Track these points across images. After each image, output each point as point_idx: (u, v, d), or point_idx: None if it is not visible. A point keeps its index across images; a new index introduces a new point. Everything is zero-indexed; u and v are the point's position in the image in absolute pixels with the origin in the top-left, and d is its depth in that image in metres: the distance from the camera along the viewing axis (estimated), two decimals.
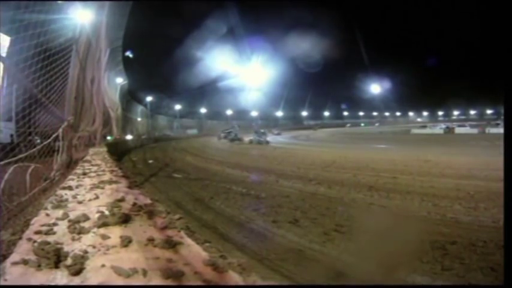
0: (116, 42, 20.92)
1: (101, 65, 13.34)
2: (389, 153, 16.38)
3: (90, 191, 3.66)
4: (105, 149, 12.52)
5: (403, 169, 10.63)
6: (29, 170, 3.98)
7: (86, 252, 1.77)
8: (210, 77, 48.57)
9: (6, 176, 3.36)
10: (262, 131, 33.94)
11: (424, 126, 47.96)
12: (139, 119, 45.19)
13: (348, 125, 75.69)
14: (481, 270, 3.65)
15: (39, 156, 4.68)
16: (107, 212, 2.56)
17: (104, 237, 2.01)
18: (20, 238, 2.08)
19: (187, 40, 47.01)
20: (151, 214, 2.63)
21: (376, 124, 80.00)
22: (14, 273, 1.54)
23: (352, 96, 74.37)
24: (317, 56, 54.84)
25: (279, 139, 37.17)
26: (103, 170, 5.72)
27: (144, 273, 1.52)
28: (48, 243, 1.87)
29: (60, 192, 3.61)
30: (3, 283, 1.45)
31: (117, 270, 1.53)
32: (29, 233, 2.15)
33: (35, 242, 1.93)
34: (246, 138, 31.81)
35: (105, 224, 2.26)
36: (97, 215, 2.46)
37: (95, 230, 2.17)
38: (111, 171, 5.57)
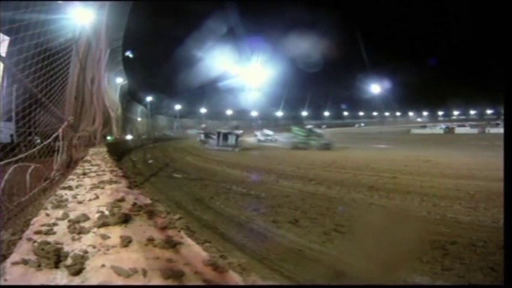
0: (116, 42, 20.93)
1: (101, 65, 13.34)
2: (389, 153, 16.39)
3: (90, 191, 3.65)
4: (105, 149, 12.53)
5: (403, 169, 10.64)
6: (29, 170, 3.98)
7: (86, 252, 1.77)
8: (210, 77, 48.60)
9: (6, 176, 3.36)
10: (308, 126, 22.77)
11: (424, 126, 47.94)
12: (139, 119, 45.19)
13: (324, 126, 68.55)
14: (481, 270, 3.65)
15: (39, 156, 4.68)
16: (107, 212, 2.56)
17: (104, 237, 2.01)
18: (20, 238, 2.08)
19: (188, 40, 47.05)
20: (151, 214, 2.63)
21: (357, 125, 77.23)
22: (14, 273, 1.54)
23: (352, 96, 74.36)
24: (317, 56, 54.85)
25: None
26: (103, 170, 5.71)
27: (144, 273, 1.52)
28: (48, 243, 1.87)
29: (60, 192, 3.61)
30: (3, 283, 1.45)
31: (117, 270, 1.53)
32: (29, 233, 2.15)
33: (35, 242, 1.93)
34: (249, 138, 28.17)
35: (105, 224, 2.25)
36: (97, 215, 2.46)
37: (95, 230, 2.17)
38: (111, 171, 5.57)
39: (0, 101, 3.95)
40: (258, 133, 29.36)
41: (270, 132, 29.53)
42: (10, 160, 3.69)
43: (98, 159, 8.07)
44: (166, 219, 2.51)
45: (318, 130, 21.78)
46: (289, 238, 4.91)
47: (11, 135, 5.74)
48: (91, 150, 10.74)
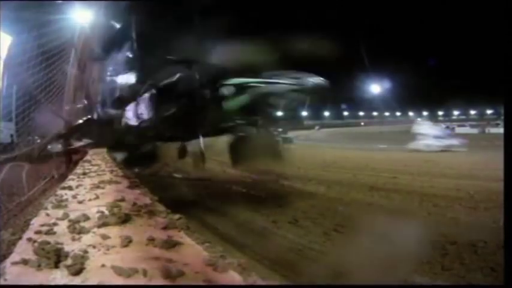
0: None
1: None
2: (389, 153, 16.38)
3: (90, 191, 3.66)
4: (105, 149, 12.50)
5: (403, 169, 10.63)
6: (25, 170, 3.98)
7: (86, 252, 1.77)
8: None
9: (2, 174, 3.37)
10: None
11: None
12: None
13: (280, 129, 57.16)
14: (481, 270, 3.65)
15: (38, 156, 4.68)
16: (107, 212, 2.56)
17: (104, 237, 2.01)
18: (20, 238, 2.08)
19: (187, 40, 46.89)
20: (151, 214, 2.63)
21: (316, 127, 72.32)
22: (14, 273, 1.54)
23: (352, 96, 74.17)
24: (317, 56, 54.61)
25: None
26: (103, 170, 5.72)
27: (144, 273, 1.52)
28: (48, 243, 1.87)
29: (60, 192, 3.61)
30: (3, 283, 1.45)
31: (117, 270, 1.53)
32: (29, 233, 2.15)
33: (35, 242, 1.93)
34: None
35: (105, 224, 2.26)
36: (97, 215, 2.46)
37: (95, 230, 2.18)
38: (111, 171, 5.57)
39: (1, 101, 3.95)
40: (419, 127, 15.25)
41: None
42: (8, 157, 3.69)
43: (98, 159, 8.07)
44: (166, 219, 2.51)
45: None
46: (289, 238, 4.91)
47: (11, 135, 5.74)
48: (91, 150, 10.73)
